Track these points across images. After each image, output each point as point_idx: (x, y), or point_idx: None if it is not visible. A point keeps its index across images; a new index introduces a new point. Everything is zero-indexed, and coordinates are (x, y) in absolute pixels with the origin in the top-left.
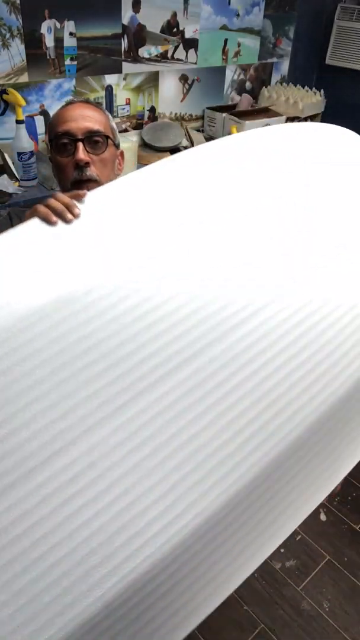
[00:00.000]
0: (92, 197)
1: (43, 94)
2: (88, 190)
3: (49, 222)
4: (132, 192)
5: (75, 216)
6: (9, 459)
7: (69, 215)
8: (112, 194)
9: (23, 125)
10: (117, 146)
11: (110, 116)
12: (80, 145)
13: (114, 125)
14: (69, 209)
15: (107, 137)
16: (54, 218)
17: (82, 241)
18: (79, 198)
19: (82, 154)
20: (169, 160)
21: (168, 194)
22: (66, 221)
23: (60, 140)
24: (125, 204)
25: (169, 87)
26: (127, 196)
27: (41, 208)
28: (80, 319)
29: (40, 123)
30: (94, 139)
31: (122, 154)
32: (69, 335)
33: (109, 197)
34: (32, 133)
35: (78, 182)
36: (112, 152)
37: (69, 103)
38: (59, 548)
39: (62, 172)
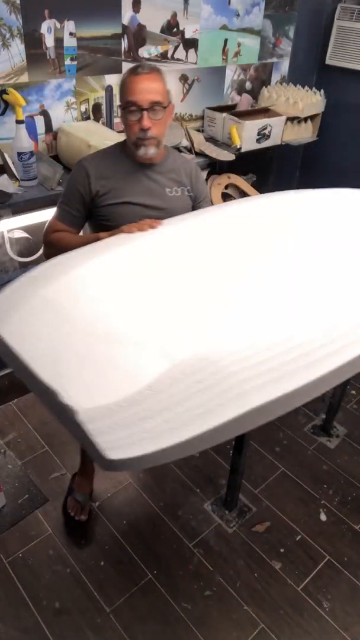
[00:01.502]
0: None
1: (43, 94)
2: (146, 144)
3: (132, 232)
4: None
5: (155, 227)
6: None
7: (147, 228)
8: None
9: (23, 125)
10: (169, 103)
11: (165, 79)
12: (145, 113)
13: (169, 87)
14: (149, 225)
15: (164, 106)
16: (137, 231)
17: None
18: (156, 225)
19: (146, 121)
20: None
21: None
22: (145, 230)
23: (130, 107)
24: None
25: (169, 87)
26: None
27: (126, 228)
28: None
29: (40, 123)
30: (155, 109)
31: (172, 106)
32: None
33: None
34: (32, 133)
35: (141, 139)
36: (167, 113)
37: (137, 73)
38: None
39: (129, 129)
